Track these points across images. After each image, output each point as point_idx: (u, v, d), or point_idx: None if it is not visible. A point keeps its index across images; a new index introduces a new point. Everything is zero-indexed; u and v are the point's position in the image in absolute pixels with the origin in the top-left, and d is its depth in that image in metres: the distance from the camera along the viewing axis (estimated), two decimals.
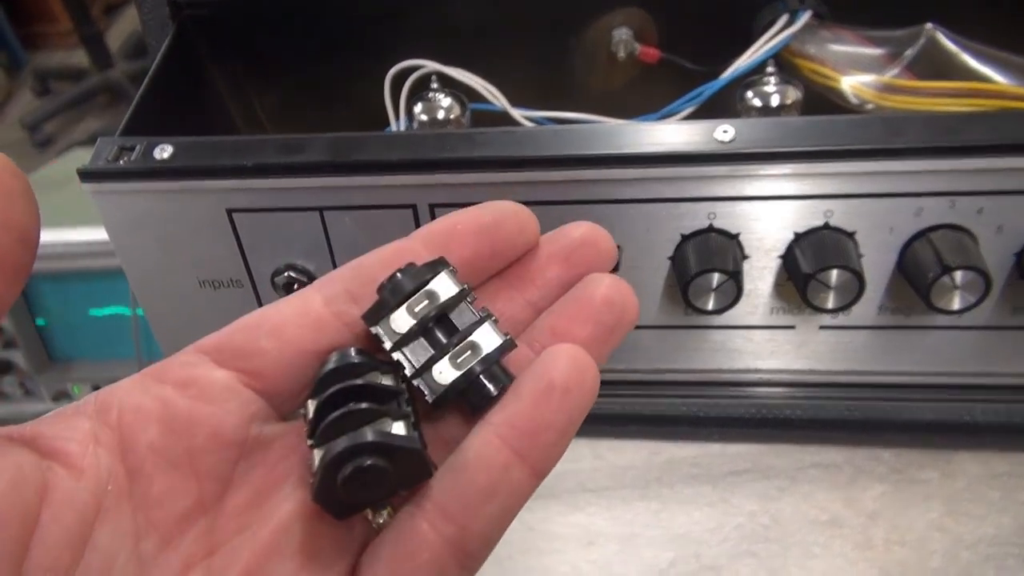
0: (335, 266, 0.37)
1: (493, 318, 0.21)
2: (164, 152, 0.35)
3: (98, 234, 0.69)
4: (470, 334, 0.20)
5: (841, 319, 0.36)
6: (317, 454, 0.19)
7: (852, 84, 0.38)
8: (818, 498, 0.53)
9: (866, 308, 0.35)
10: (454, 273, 0.21)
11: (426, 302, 0.20)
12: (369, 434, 0.18)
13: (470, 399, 0.20)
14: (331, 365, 0.20)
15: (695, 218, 0.34)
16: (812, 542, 0.51)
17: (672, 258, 0.35)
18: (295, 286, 0.37)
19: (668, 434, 0.57)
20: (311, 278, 0.37)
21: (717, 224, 0.34)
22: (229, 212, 0.35)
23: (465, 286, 0.21)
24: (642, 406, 0.55)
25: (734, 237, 0.34)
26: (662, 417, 0.55)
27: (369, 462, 0.18)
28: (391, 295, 0.20)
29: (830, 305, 0.32)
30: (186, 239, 0.36)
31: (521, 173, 0.33)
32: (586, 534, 0.53)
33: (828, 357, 0.37)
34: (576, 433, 0.20)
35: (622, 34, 0.45)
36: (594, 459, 0.57)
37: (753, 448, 0.56)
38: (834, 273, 0.32)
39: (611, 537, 0.53)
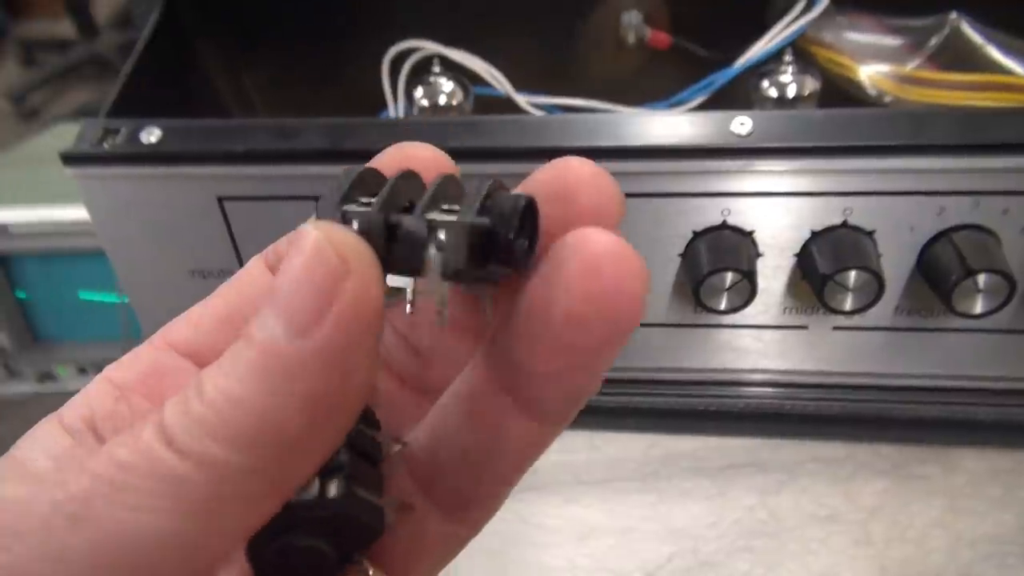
0: None
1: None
2: (151, 136, 0.33)
3: (85, 212, 0.67)
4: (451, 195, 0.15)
5: (856, 320, 0.35)
6: None
7: (871, 75, 0.37)
8: (817, 493, 0.52)
9: (882, 309, 0.34)
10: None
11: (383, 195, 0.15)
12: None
13: (498, 246, 0.14)
14: None
15: (708, 214, 0.32)
16: (811, 538, 0.51)
17: (683, 255, 0.34)
18: None
19: (666, 427, 0.56)
20: None
21: (731, 220, 0.32)
22: (220, 200, 0.34)
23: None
24: (641, 400, 0.54)
25: (748, 234, 0.33)
26: (660, 410, 0.55)
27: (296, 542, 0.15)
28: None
29: (847, 307, 0.31)
30: (174, 227, 0.35)
31: (526, 164, 0.32)
32: (581, 527, 0.52)
33: (840, 358, 0.36)
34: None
35: (632, 18, 0.43)
36: (590, 451, 0.56)
37: (752, 442, 0.55)
38: (852, 274, 0.31)
39: (607, 531, 0.52)
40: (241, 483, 0.12)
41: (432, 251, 0.14)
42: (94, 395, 0.17)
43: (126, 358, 0.18)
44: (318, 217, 0.14)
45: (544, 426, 0.16)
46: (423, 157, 0.17)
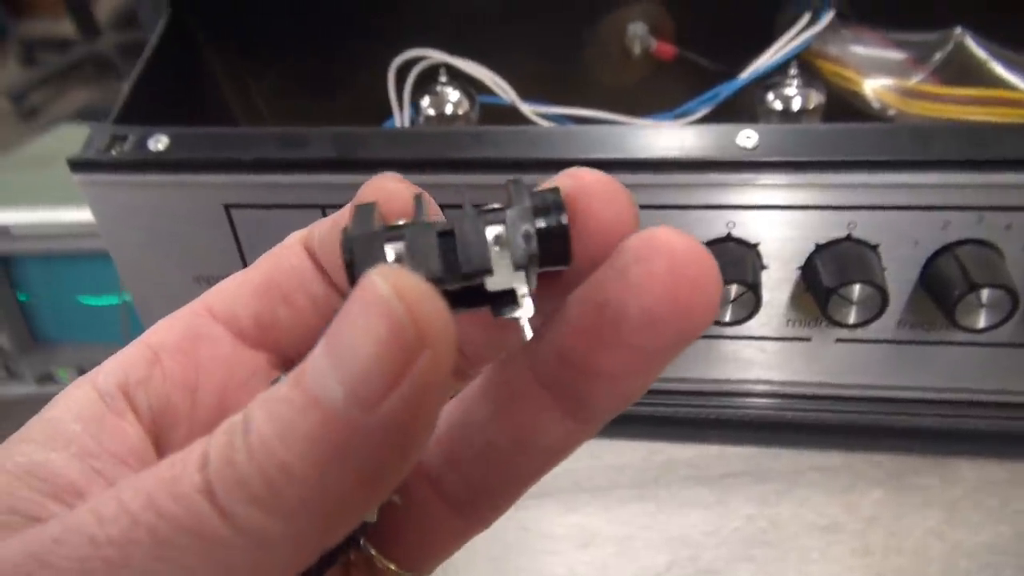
0: None
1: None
2: (159, 143, 0.33)
3: (87, 215, 0.67)
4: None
5: (859, 332, 0.35)
6: None
7: (875, 88, 0.37)
8: (816, 502, 0.53)
9: (885, 322, 0.34)
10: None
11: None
12: None
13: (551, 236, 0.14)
14: None
15: (713, 226, 0.33)
16: (810, 547, 0.51)
17: None
18: None
19: (666, 435, 0.56)
20: None
21: (736, 233, 0.33)
22: (227, 207, 0.34)
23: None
24: (641, 409, 0.54)
25: (753, 247, 0.33)
26: (661, 418, 0.55)
27: None
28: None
29: (851, 320, 0.31)
30: (181, 234, 0.35)
31: (532, 175, 0.32)
32: (582, 535, 0.52)
33: (843, 370, 0.36)
34: None
35: (637, 29, 0.44)
36: (591, 458, 0.56)
37: (751, 451, 0.55)
38: (856, 288, 0.31)
39: (607, 538, 0.52)
40: (283, 549, 0.12)
41: (496, 249, 0.13)
42: (129, 358, 0.17)
43: (165, 321, 0.18)
44: (356, 254, 0.13)
45: (580, 426, 0.15)
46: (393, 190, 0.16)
